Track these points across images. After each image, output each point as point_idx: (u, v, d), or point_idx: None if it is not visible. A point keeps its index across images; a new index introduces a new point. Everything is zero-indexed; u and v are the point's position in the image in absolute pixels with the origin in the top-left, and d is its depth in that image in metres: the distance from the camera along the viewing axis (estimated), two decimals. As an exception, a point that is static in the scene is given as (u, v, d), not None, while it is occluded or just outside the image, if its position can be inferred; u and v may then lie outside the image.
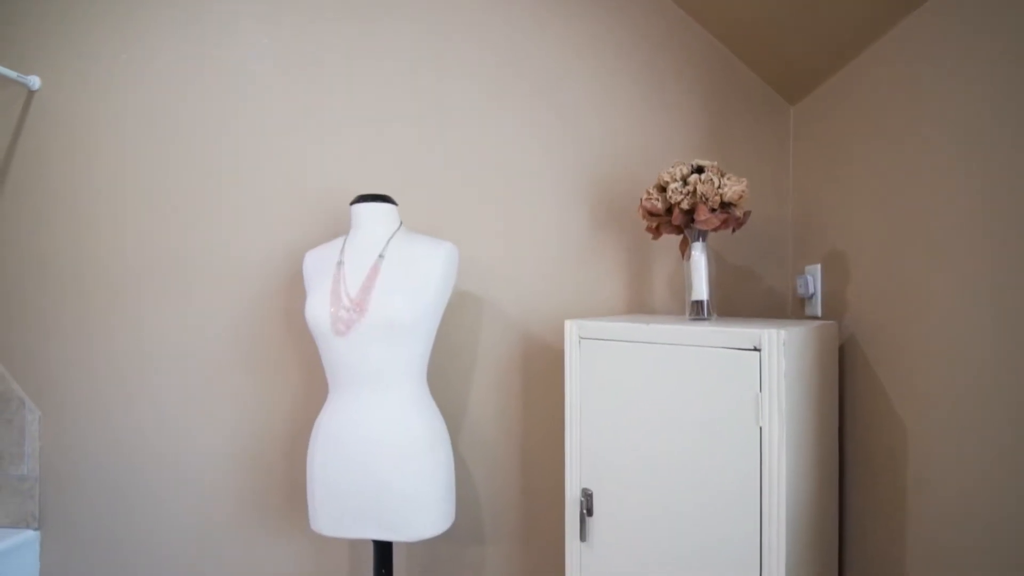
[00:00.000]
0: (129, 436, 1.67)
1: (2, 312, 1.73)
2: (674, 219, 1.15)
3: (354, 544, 1.57)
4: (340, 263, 1.26)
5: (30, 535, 1.69)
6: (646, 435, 1.07)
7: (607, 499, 1.14)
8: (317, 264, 1.33)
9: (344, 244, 1.29)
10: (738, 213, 1.15)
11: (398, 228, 1.31)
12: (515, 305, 1.52)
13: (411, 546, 1.54)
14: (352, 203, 1.30)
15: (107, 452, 1.68)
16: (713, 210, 1.11)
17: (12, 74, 1.67)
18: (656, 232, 1.24)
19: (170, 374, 1.66)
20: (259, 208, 1.62)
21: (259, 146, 1.63)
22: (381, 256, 1.25)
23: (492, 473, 1.52)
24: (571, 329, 1.19)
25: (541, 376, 1.50)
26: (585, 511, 1.16)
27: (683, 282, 1.23)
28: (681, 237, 1.25)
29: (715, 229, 1.13)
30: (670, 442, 1.04)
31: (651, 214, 1.19)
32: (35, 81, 1.72)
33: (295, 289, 1.60)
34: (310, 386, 1.59)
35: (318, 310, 1.22)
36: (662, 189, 1.17)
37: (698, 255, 1.16)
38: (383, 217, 1.30)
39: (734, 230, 1.19)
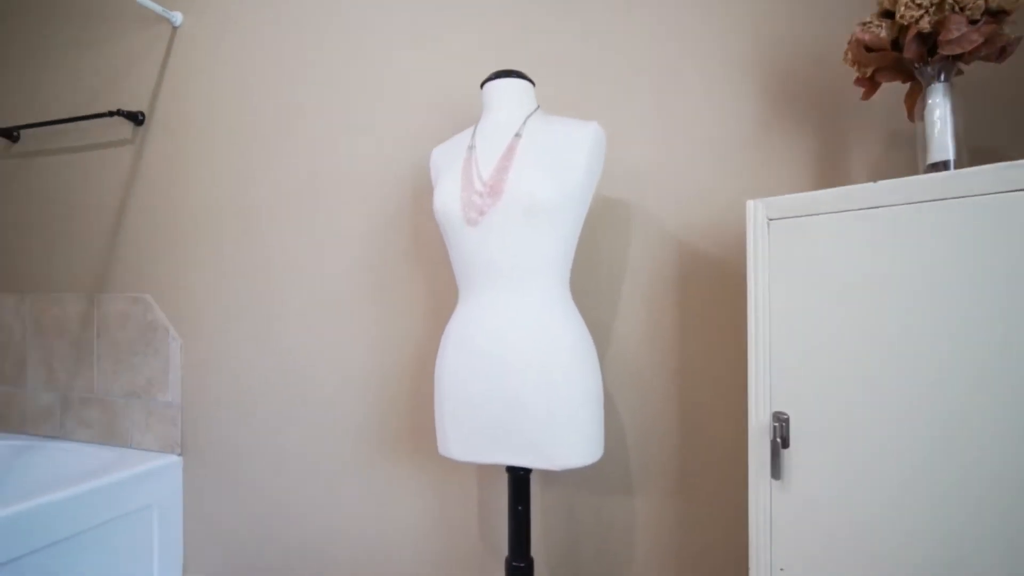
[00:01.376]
0: (259, 363, 1.64)
1: (150, 245, 1.79)
2: (906, 50, 0.85)
3: (486, 481, 1.42)
4: (471, 147, 1.10)
5: (174, 460, 1.72)
6: (872, 335, 0.79)
7: (809, 425, 0.87)
8: (445, 156, 1.19)
9: (475, 129, 1.13)
10: (1007, 32, 0.83)
11: (535, 109, 1.13)
12: (668, 211, 1.28)
13: (547, 497, 1.35)
14: (484, 83, 1.14)
15: (239, 379, 1.67)
16: (974, 21, 0.80)
17: (157, 8, 1.71)
18: (870, 85, 0.95)
19: (298, 300, 1.61)
20: (383, 122, 1.52)
21: (385, 61, 1.53)
22: (518, 135, 1.07)
23: (641, 406, 1.29)
24: (755, 210, 0.93)
25: (701, 292, 1.25)
26: (779, 440, 0.89)
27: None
28: (908, 88, 0.95)
29: (972, 53, 0.82)
30: (913, 341, 0.75)
31: (869, 50, 0.90)
32: (177, 17, 1.76)
33: (421, 202, 1.47)
34: (439, 309, 1.46)
35: (447, 197, 1.06)
36: (887, 14, 0.88)
37: (939, 100, 0.86)
38: (518, 95, 1.12)
39: (999, 57, 0.86)
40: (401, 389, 1.49)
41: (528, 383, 1.01)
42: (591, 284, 1.32)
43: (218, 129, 1.71)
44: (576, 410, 1.01)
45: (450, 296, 1.44)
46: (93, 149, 1.88)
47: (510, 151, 1.05)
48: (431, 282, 1.47)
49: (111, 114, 1.75)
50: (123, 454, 1.73)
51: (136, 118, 1.79)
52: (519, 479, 1.12)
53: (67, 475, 1.75)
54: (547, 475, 1.35)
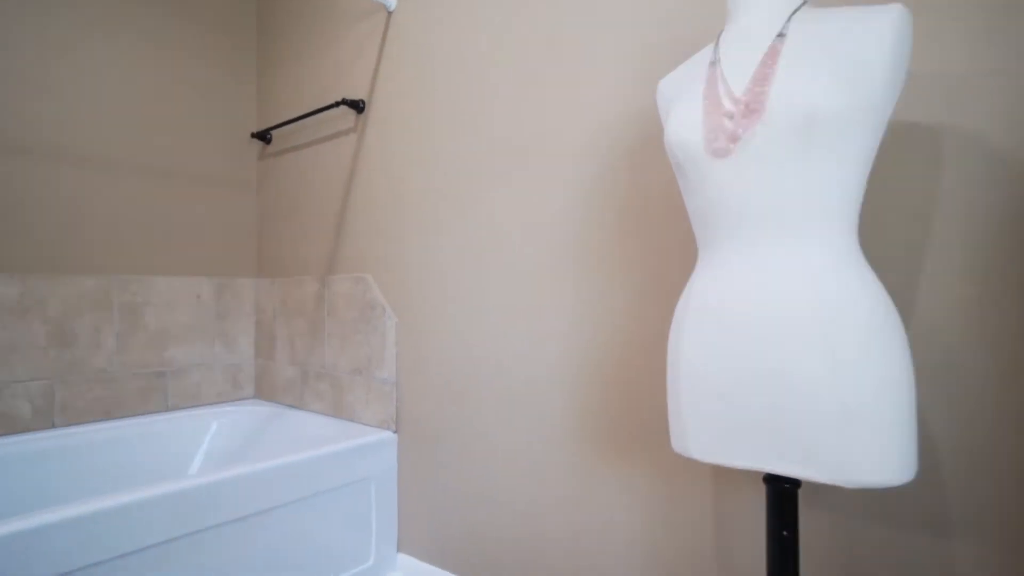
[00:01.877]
0: (469, 344, 1.59)
1: (369, 226, 1.86)
2: None
3: (727, 487, 1.15)
4: (714, 63, 0.86)
5: (389, 436, 1.75)
6: None
7: None
8: (676, 83, 0.96)
9: (717, 42, 0.89)
10: None
11: (802, 3, 0.85)
12: (1004, 136, 0.88)
13: (810, 521, 1.04)
14: (728, -19, 0.89)
15: (449, 359, 1.63)
16: None
17: (374, -5, 1.76)
18: None
19: (506, 280, 1.51)
20: (587, 79, 1.35)
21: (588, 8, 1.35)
22: (781, 35, 0.80)
23: (962, 411, 0.91)
24: None
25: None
26: None
27: None
28: None
29: None
30: None
31: None
32: (391, 2, 1.79)
33: (638, 158, 1.26)
34: (665, 282, 1.24)
35: (684, 125, 0.84)
36: None
37: None
38: (779, -12, 0.85)
39: None
40: (620, 375, 1.30)
41: (807, 364, 0.73)
42: (882, 239, 0.98)
43: (428, 111, 1.70)
44: (880, 405, 0.71)
45: (679, 265, 1.20)
46: (324, 141, 2.03)
47: (772, 54, 0.79)
48: (653, 251, 1.25)
49: (337, 104, 1.85)
50: (347, 427, 1.82)
51: (358, 106, 1.88)
52: (784, 494, 0.85)
53: (302, 440, 1.90)
54: (816, 492, 1.04)
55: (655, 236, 1.24)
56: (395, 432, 1.77)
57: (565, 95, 1.39)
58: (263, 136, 2.24)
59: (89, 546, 1.15)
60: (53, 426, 1.79)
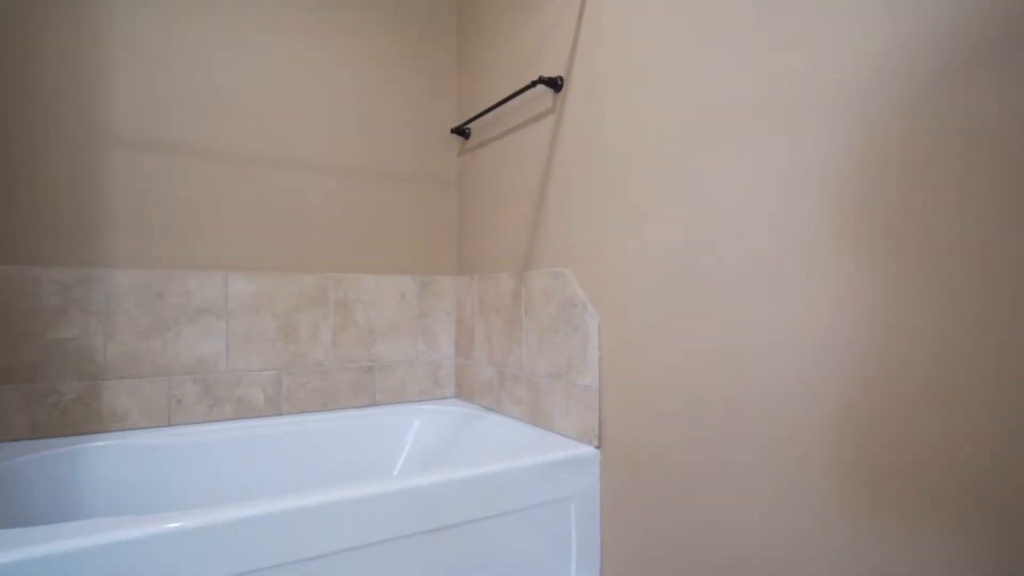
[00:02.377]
0: (689, 349, 1.30)
1: (568, 215, 1.67)
2: None
3: None
4: None
5: (591, 452, 1.54)
6: None
7: None
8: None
9: None
10: None
11: None
12: None
13: None
14: None
15: (665, 366, 1.36)
16: None
17: (573, -45, 1.57)
18: None
19: (744, 264, 1.19)
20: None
21: None
22: None
23: None
24: None
25: None
26: None
27: None
28: None
29: None
30: None
31: None
32: (592, -41, 1.59)
33: (954, 88, 0.86)
34: (1007, 271, 0.83)
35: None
36: None
37: None
38: None
39: None
40: (927, 398, 0.91)
41: None
42: None
43: (639, 75, 1.45)
44: None
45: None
46: (520, 128, 1.90)
47: None
48: (981, 222, 0.84)
49: (533, 84, 1.70)
50: (545, 438, 1.65)
51: (556, 84, 1.71)
52: None
53: (500, 448, 1.77)
54: None
55: (983, 203, 0.83)
56: (597, 447, 1.55)
57: (819, 22, 1.04)
58: (462, 131, 2.21)
59: (280, 545, 1.13)
60: (280, 413, 1.92)
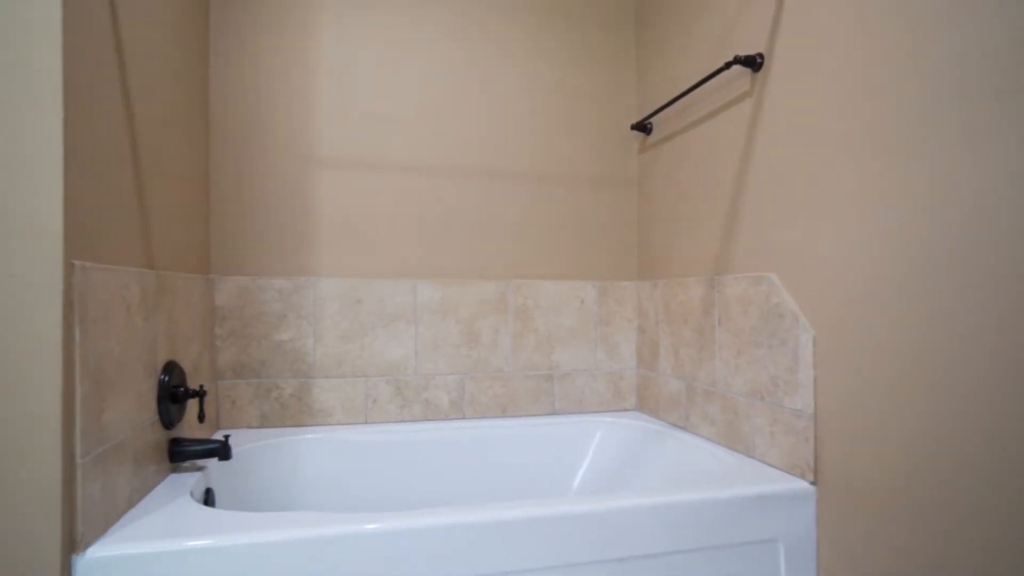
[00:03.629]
0: (938, 364, 1.02)
1: (772, 211, 1.45)
2: None
3: None
4: None
5: (804, 487, 1.30)
6: None
7: None
8: None
9: None
10: None
11: None
12: None
13: None
14: None
15: (905, 389, 1.09)
16: None
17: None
18: None
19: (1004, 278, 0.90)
20: None
21: None
22: None
23: None
24: None
25: None
26: None
27: None
28: None
29: None
30: None
31: None
32: (802, -90, 1.35)
33: None
34: None
35: None
36: None
37: None
38: None
39: None
40: None
41: None
42: None
43: (857, 47, 1.20)
44: None
45: None
46: (710, 117, 1.71)
47: None
48: None
49: (727, 66, 1.51)
50: (745, 465, 1.45)
51: (754, 63, 1.50)
52: None
53: (690, 472, 1.60)
54: None
55: None
56: (813, 483, 1.31)
57: None
58: (643, 127, 2.07)
59: (453, 560, 1.10)
60: (463, 417, 1.96)
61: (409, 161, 1.93)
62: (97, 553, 0.97)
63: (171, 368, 1.36)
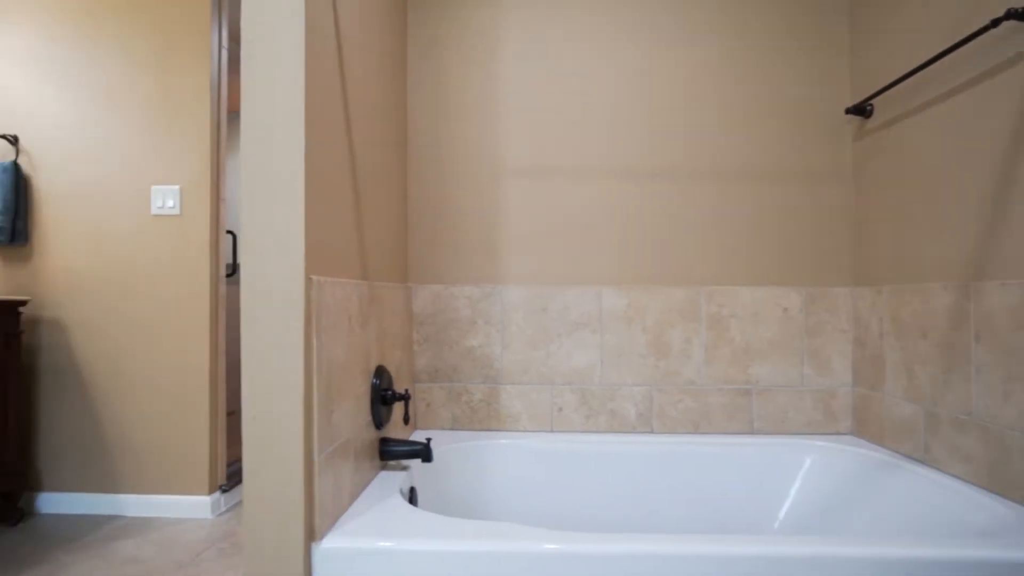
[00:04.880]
0: None
1: (1064, 200, 1.15)
2: None
3: None
4: None
5: None
6: None
7: None
8: None
9: None
10: None
11: None
12: None
13: None
14: None
15: None
16: None
17: None
18: None
19: None
20: None
21: None
22: None
23: None
24: None
25: None
26: None
27: None
28: None
29: None
30: None
31: None
32: None
33: None
34: None
35: None
36: None
37: None
38: None
39: None
40: None
41: None
42: None
43: None
44: None
45: None
46: (964, 90, 1.41)
47: None
48: None
49: (995, 23, 1.23)
50: (1020, 515, 1.16)
51: (1034, 16, 1.20)
52: None
53: (936, 519, 1.34)
54: None
55: None
56: None
57: None
58: (860, 110, 1.79)
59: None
60: (651, 431, 1.86)
61: (595, 166, 1.88)
62: (330, 544, 1.06)
63: (381, 372, 1.46)
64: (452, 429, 1.87)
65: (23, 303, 2.08)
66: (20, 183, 2.19)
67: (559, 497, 1.76)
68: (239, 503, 2.30)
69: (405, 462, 1.53)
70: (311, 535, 1.05)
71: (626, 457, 1.78)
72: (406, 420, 1.50)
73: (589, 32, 1.89)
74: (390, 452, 1.45)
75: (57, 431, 2.19)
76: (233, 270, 2.41)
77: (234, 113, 2.80)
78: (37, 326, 2.20)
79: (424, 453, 1.44)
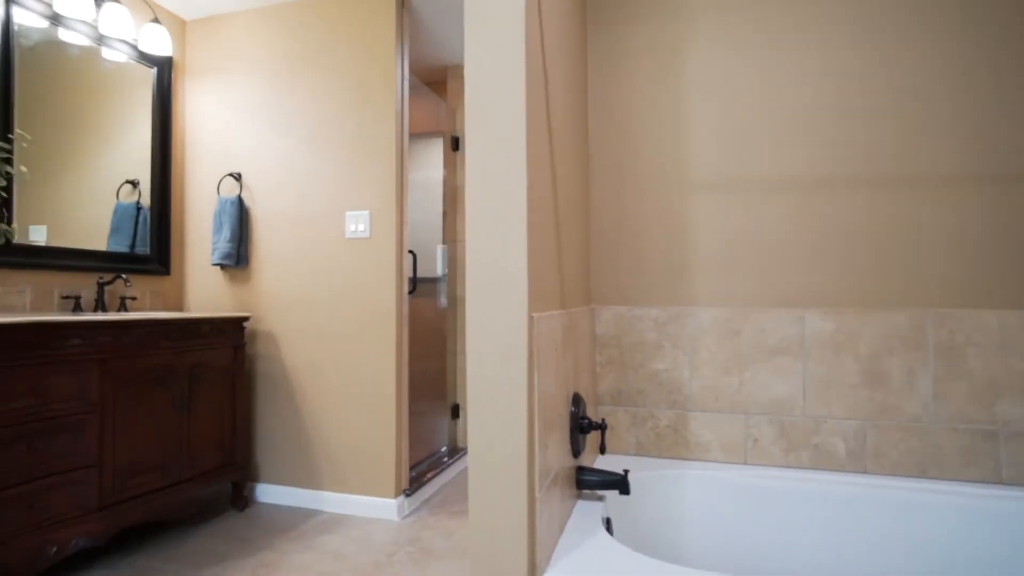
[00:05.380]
0: None
1: None
2: None
3: None
4: None
5: None
6: None
7: None
8: None
9: None
10: None
11: None
12: None
13: None
14: None
15: None
16: None
17: None
18: None
19: None
20: None
21: None
22: None
23: None
24: None
25: None
26: None
27: None
28: None
29: None
30: None
31: None
32: None
33: None
34: None
35: None
36: None
37: None
38: None
39: None
40: None
41: None
42: None
43: None
44: None
45: None
46: None
47: None
48: None
49: None
50: None
51: None
52: None
53: None
54: None
55: None
56: None
57: None
58: None
59: None
60: (864, 471, 1.66)
61: (792, 177, 1.73)
62: (551, 582, 1.06)
63: (577, 400, 1.45)
64: (636, 455, 1.82)
65: (246, 319, 2.37)
66: (243, 214, 2.51)
67: (757, 536, 1.63)
68: (420, 507, 2.43)
69: (600, 492, 1.51)
70: (532, 570, 1.06)
71: (835, 498, 1.60)
72: (602, 450, 1.47)
73: (784, 36, 1.74)
74: (588, 482, 1.43)
75: (271, 430, 2.48)
76: (414, 287, 2.57)
77: (412, 135, 2.98)
78: (255, 338, 2.50)
79: (622, 485, 1.41)
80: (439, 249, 2.97)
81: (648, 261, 1.82)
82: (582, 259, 1.75)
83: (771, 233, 1.73)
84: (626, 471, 1.43)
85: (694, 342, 1.77)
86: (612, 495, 1.55)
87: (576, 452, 1.42)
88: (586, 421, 1.44)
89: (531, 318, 1.06)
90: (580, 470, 1.45)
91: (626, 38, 1.86)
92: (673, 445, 1.79)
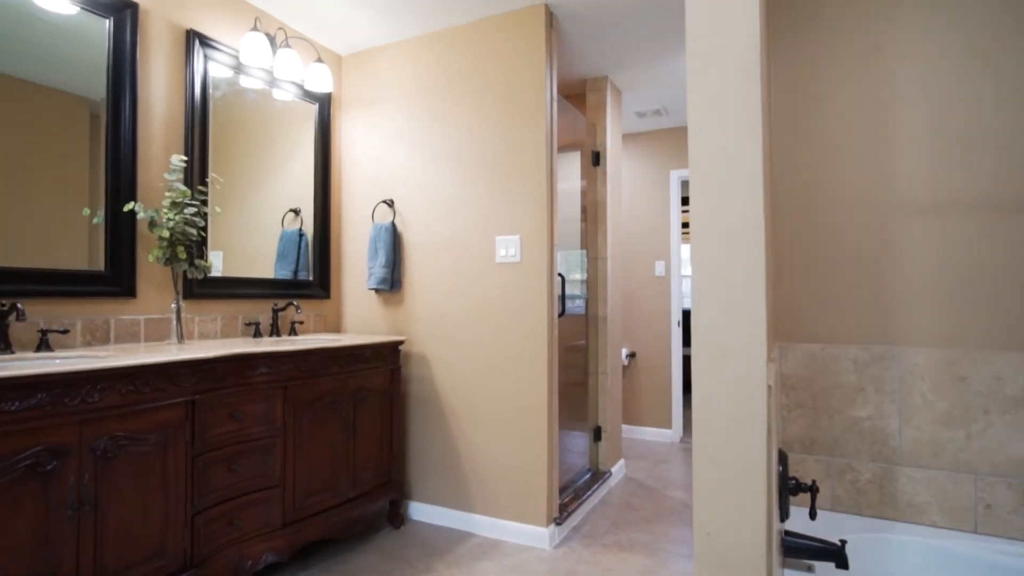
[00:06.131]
0: None
1: None
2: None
3: None
4: None
5: None
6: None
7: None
8: None
9: None
10: None
11: None
12: None
13: None
14: None
15: None
16: None
17: None
18: None
19: None
20: None
21: None
22: None
23: None
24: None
25: None
26: None
27: None
28: None
29: None
30: None
31: None
32: None
33: None
34: None
35: None
36: None
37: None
38: None
39: None
40: None
41: None
42: None
43: None
44: None
45: None
46: None
47: None
48: None
49: None
50: None
51: None
52: None
53: None
54: None
55: None
56: None
57: None
58: None
59: None
60: None
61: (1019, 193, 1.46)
62: None
63: (783, 457, 1.31)
64: (832, 510, 1.63)
65: (401, 342, 2.44)
66: (396, 239, 2.59)
67: (994, 620, 1.39)
68: (570, 535, 2.37)
69: (808, 561, 1.36)
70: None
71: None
72: (812, 516, 1.32)
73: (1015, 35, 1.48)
74: (797, 548, 1.29)
75: (422, 450, 2.53)
76: (563, 310, 2.52)
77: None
78: (407, 359, 2.57)
79: (839, 558, 1.25)
80: (579, 258, 2.90)
81: (844, 294, 1.63)
82: (769, 291, 1.60)
83: (1000, 263, 1.48)
84: (843, 541, 1.26)
85: (905, 387, 1.56)
86: (822, 566, 1.39)
87: (783, 515, 1.28)
88: (793, 482, 1.29)
89: (767, 371, 0.95)
90: (788, 534, 1.30)
91: (816, 51, 1.67)
92: (877, 503, 1.58)
